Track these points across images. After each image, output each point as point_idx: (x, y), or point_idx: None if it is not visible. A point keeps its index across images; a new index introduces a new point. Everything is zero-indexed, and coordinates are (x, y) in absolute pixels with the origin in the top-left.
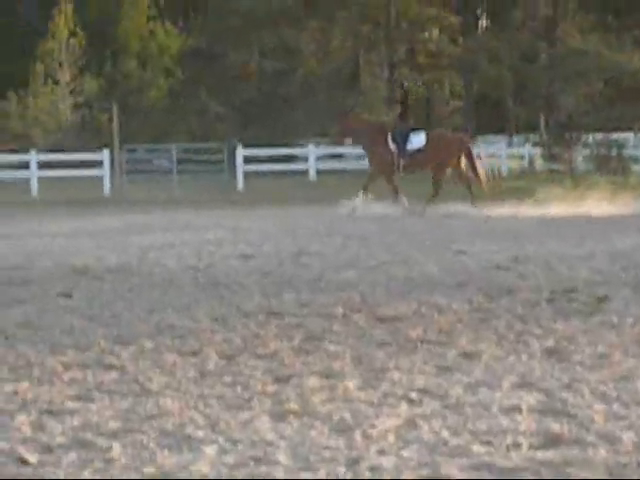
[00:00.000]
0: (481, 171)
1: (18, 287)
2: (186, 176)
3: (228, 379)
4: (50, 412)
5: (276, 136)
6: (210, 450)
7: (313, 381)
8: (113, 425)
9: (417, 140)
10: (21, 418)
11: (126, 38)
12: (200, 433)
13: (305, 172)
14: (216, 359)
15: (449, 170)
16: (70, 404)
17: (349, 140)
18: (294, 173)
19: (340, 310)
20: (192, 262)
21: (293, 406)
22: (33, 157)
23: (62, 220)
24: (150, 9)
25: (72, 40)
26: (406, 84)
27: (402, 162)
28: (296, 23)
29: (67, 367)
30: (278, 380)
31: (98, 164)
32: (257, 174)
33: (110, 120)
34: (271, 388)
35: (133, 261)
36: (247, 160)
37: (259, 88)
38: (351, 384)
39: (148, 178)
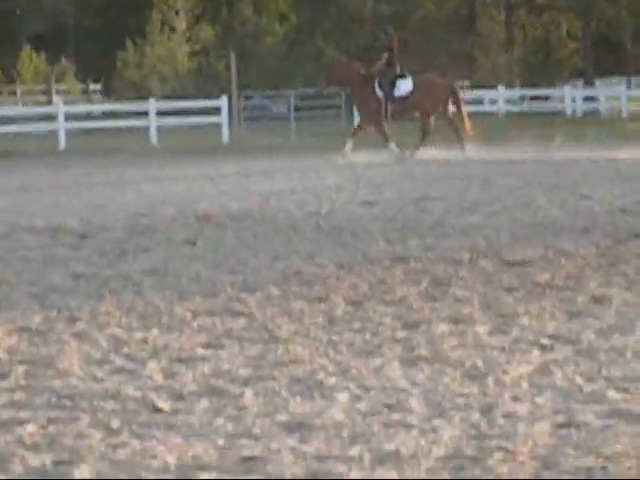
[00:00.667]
0: (466, 116)
1: (143, 235)
2: (303, 122)
3: (357, 325)
4: (180, 359)
5: None
6: (342, 397)
7: (442, 327)
8: (244, 372)
9: (404, 86)
10: (152, 366)
11: None
12: (331, 380)
13: None
14: (343, 305)
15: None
16: (200, 351)
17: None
18: None
19: (466, 255)
20: (314, 208)
21: (423, 352)
22: (152, 105)
23: (182, 167)
24: None
25: None
26: None
27: (389, 108)
28: None
29: (195, 314)
30: (407, 326)
31: (216, 111)
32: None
33: (227, 67)
34: (400, 334)
35: (255, 207)
36: None
37: (374, 32)
38: (481, 330)
39: (265, 125)
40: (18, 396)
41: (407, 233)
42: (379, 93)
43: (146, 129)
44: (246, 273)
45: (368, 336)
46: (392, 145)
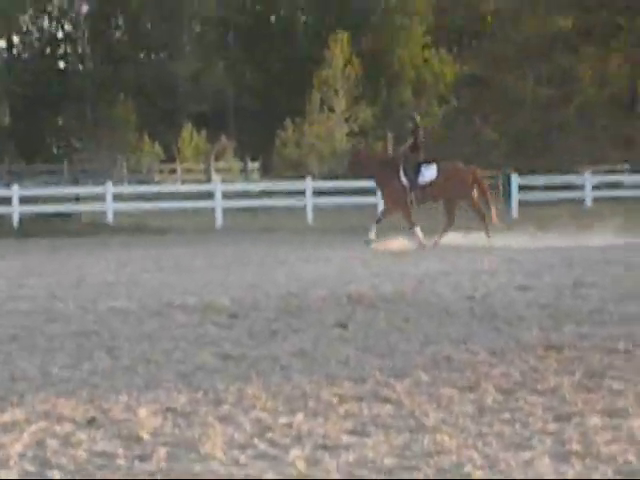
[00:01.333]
0: (493, 203)
1: (293, 315)
2: None
3: (506, 416)
4: (324, 447)
5: (551, 164)
6: None
7: (595, 420)
8: (388, 462)
9: (429, 173)
10: (295, 452)
11: (401, 66)
12: (478, 473)
13: (581, 200)
14: (494, 394)
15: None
16: (345, 438)
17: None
18: (569, 201)
19: (622, 345)
20: (468, 292)
21: (575, 446)
22: (308, 184)
23: (336, 247)
24: (424, 37)
25: (348, 68)
26: None
27: (414, 195)
28: (571, 50)
29: (342, 399)
30: (559, 418)
31: (372, 192)
32: (530, 202)
33: (384, 148)
34: (552, 426)
35: (408, 290)
36: (521, 188)
37: (533, 115)
38: (636, 424)
39: (421, 206)
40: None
41: (562, 320)
42: (404, 179)
43: (303, 208)
44: (395, 357)
45: (518, 427)
46: (417, 229)
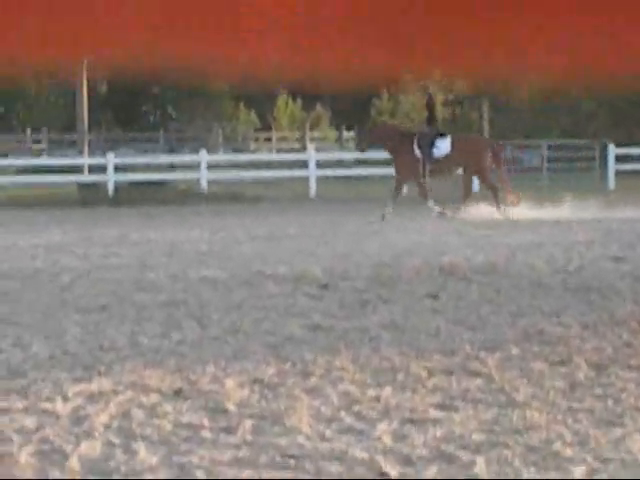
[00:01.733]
0: (507, 179)
1: (384, 286)
2: (555, 174)
3: (598, 391)
4: (412, 421)
5: None
6: (578, 470)
7: None
8: (477, 437)
9: (443, 145)
10: (382, 427)
11: None
12: (568, 450)
13: None
14: (586, 369)
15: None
16: (433, 413)
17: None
18: None
19: None
20: (561, 264)
21: None
22: None
23: (430, 217)
24: None
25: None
26: None
27: (428, 167)
28: None
29: (431, 373)
30: None
31: None
32: (628, 173)
33: (480, 117)
34: None
35: (500, 261)
36: (619, 159)
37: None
38: None
39: (517, 176)
40: (243, 453)
41: None
42: (417, 152)
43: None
44: (486, 330)
45: (610, 404)
46: (431, 203)
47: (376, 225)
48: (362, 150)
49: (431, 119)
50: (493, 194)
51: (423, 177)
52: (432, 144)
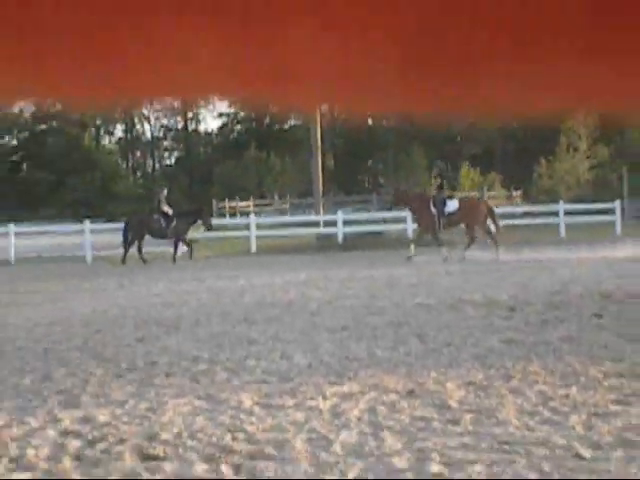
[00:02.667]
0: (499, 227)
1: (558, 309)
2: None
3: None
4: (596, 414)
5: None
6: None
7: None
8: None
9: (452, 205)
10: (574, 418)
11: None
12: None
13: None
14: None
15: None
16: (612, 407)
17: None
18: None
19: None
20: None
21: None
22: (560, 207)
23: (585, 252)
24: None
25: (587, 118)
26: None
27: (442, 222)
28: None
29: (606, 375)
30: None
31: (611, 212)
32: None
33: (619, 178)
34: None
35: None
36: None
37: None
38: None
39: None
40: (466, 440)
41: None
42: (433, 210)
43: (555, 226)
44: None
45: None
46: (444, 249)
47: (545, 261)
48: (390, 208)
49: (441, 186)
50: (492, 240)
51: (438, 228)
52: (444, 204)
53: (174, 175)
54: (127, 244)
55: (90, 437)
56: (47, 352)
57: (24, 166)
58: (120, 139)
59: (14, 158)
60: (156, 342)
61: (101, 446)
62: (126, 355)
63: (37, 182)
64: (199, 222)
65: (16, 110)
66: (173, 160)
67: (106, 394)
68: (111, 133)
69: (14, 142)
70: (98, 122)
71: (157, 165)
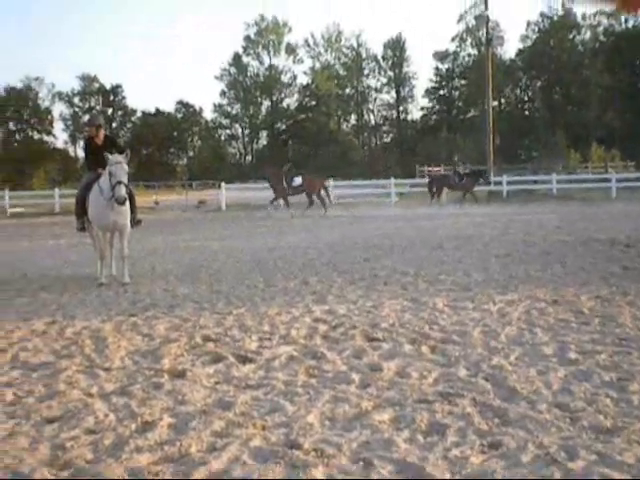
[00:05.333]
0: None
1: None
2: None
3: None
4: None
5: None
6: None
7: None
8: None
9: (297, 180)
10: None
11: None
12: None
13: None
14: None
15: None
16: None
17: None
18: None
19: None
20: None
21: None
22: None
23: None
24: None
25: None
26: None
27: (290, 191)
28: None
29: None
30: None
31: None
32: None
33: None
34: None
35: None
36: None
37: None
38: None
39: None
40: (595, 336)
41: None
42: (285, 184)
43: None
44: None
45: None
46: (291, 210)
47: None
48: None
49: (290, 168)
50: (323, 203)
51: (288, 195)
52: (292, 180)
53: (390, 149)
54: (432, 193)
55: (333, 324)
56: (304, 266)
57: (289, 142)
58: (353, 125)
59: (283, 137)
60: (377, 261)
61: (340, 330)
62: (357, 269)
63: (297, 152)
64: (480, 180)
65: (284, 105)
66: (389, 139)
67: (344, 295)
68: (347, 121)
69: (283, 127)
70: (339, 113)
71: (378, 142)
